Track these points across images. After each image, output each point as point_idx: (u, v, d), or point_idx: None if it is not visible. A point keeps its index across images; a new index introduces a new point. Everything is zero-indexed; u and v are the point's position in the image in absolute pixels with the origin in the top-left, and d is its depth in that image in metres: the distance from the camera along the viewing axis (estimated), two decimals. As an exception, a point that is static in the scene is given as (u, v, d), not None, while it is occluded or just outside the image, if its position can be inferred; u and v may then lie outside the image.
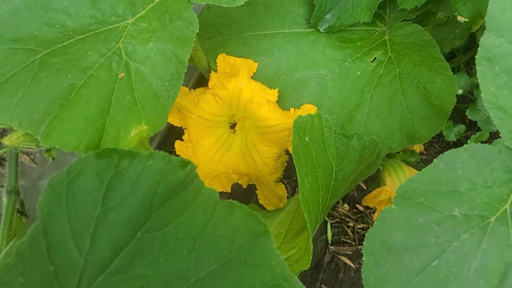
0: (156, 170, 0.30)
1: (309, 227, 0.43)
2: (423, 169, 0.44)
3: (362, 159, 0.57)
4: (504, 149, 0.44)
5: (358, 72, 0.64)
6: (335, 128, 0.56)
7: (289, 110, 0.62)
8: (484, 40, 0.44)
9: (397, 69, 0.62)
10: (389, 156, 0.70)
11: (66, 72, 0.39)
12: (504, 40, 0.43)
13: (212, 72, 0.61)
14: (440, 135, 0.96)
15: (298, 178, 0.44)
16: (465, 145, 0.44)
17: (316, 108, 0.62)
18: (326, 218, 0.92)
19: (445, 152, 0.44)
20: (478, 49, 0.44)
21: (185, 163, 0.31)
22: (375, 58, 0.65)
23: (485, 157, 0.44)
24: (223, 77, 0.60)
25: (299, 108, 0.62)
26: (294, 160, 0.46)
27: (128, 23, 0.43)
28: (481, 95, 0.44)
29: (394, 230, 0.41)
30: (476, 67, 0.44)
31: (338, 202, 0.95)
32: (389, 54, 0.64)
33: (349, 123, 0.63)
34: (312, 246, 0.44)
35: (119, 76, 0.40)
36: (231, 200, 0.35)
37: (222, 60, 0.60)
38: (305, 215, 0.43)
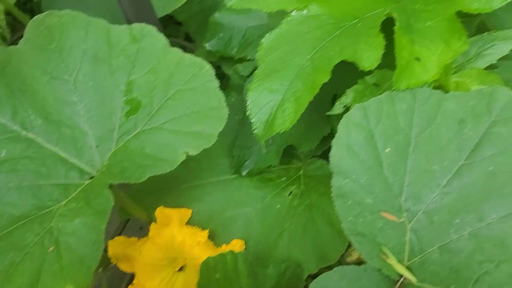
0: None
1: None
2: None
3: (280, 284, 0.66)
4: (369, 268, 0.53)
5: (278, 206, 0.76)
6: (257, 258, 0.66)
7: (221, 247, 0.72)
8: (334, 182, 0.56)
9: (308, 200, 0.74)
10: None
11: (9, 252, 0.52)
12: (349, 180, 0.55)
13: (152, 223, 0.73)
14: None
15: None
16: (334, 268, 0.53)
17: (243, 242, 0.72)
18: None
19: (319, 276, 0.53)
20: (331, 188, 0.56)
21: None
22: (291, 192, 0.77)
23: (353, 276, 0.53)
24: (160, 226, 0.72)
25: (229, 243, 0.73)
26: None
27: (61, 205, 0.56)
28: (341, 225, 0.55)
29: None
30: (334, 203, 0.56)
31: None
32: (302, 187, 0.77)
33: (274, 251, 0.72)
34: None
35: (49, 250, 0.52)
36: None
37: (159, 212, 0.73)
38: None
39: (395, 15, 0.59)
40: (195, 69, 0.61)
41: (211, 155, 0.80)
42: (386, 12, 0.60)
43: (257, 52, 0.67)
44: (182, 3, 0.82)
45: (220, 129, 0.59)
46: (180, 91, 0.60)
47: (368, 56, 0.56)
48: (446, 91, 0.61)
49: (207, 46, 0.92)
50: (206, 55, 1.03)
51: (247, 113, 0.59)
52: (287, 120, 0.57)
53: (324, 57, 0.59)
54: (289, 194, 0.76)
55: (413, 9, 0.63)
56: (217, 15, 0.91)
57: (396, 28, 0.57)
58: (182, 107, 0.59)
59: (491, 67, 0.69)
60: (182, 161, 0.71)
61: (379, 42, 0.56)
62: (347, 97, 0.66)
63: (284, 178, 0.79)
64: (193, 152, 0.58)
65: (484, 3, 0.56)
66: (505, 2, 0.55)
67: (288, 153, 0.81)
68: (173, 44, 1.23)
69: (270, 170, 0.80)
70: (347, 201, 0.55)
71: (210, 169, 0.80)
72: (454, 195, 0.53)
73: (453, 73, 0.67)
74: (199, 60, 0.62)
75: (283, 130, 0.57)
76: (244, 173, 0.78)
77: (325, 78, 0.56)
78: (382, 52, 0.56)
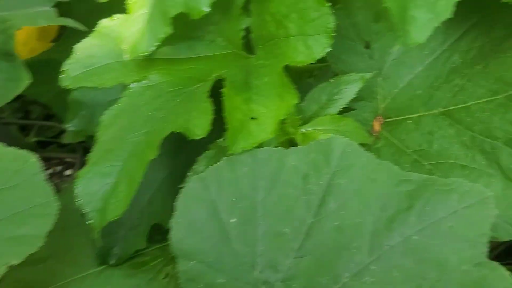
0: None
1: None
2: None
3: None
4: None
5: (153, 293, 0.68)
6: None
7: None
8: (180, 266, 0.50)
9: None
10: None
11: None
12: (195, 262, 0.50)
13: None
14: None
15: None
16: None
17: None
18: None
19: None
20: (179, 274, 0.50)
21: None
22: (167, 274, 0.70)
23: None
24: None
25: None
26: None
27: None
28: (194, 314, 0.49)
29: None
30: (183, 290, 0.50)
31: None
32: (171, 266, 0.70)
33: None
34: None
35: None
36: None
37: (11, 329, 0.62)
38: None
39: (225, 76, 0.57)
40: (18, 164, 0.54)
41: (74, 247, 0.72)
42: (216, 75, 0.58)
43: (96, 132, 0.62)
44: (20, 90, 0.75)
45: (49, 227, 0.52)
46: (0, 192, 0.53)
47: (200, 123, 0.53)
48: (297, 145, 0.60)
49: (69, 126, 0.85)
50: (74, 135, 0.96)
51: (77, 203, 0.52)
52: (121, 204, 0.52)
53: (157, 130, 0.55)
54: (164, 277, 0.69)
55: (256, 65, 0.62)
56: (76, 93, 0.85)
57: (225, 90, 0.55)
58: (1, 210, 0.52)
59: (348, 110, 0.69)
60: (40, 260, 0.62)
61: (207, 107, 0.53)
62: (199, 165, 0.62)
63: (161, 259, 0.72)
64: (16, 261, 0.50)
65: (307, 55, 0.55)
66: (325, 52, 0.54)
67: (164, 230, 0.74)
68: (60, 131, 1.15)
69: (144, 252, 0.73)
70: (197, 286, 0.49)
71: (74, 264, 0.71)
72: (308, 258, 0.49)
73: (306, 123, 0.65)
74: (23, 153, 0.56)
75: (116, 218, 0.51)
76: (112, 262, 0.70)
77: (154, 153, 0.51)
78: (211, 117, 0.53)
